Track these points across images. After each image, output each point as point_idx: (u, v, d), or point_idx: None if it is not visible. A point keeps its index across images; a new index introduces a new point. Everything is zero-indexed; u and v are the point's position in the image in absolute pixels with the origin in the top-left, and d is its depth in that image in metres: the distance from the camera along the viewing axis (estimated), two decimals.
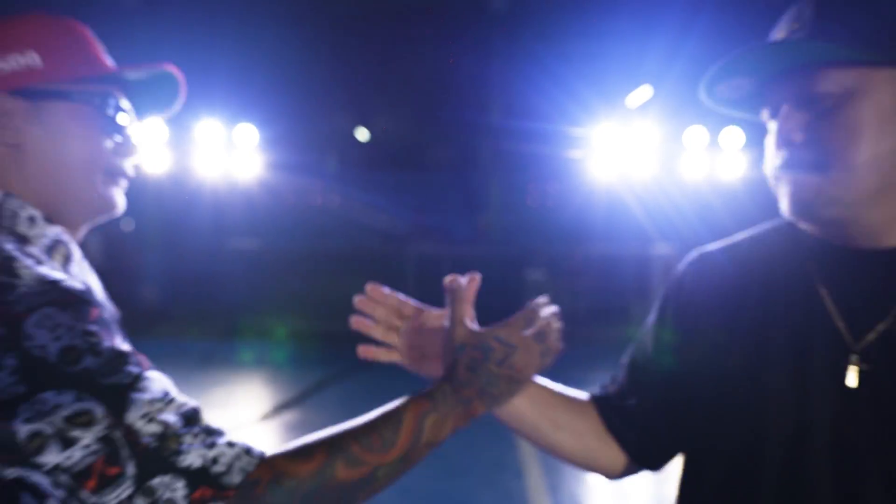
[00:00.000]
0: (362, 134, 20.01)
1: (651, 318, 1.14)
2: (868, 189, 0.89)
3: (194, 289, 12.39)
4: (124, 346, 0.83)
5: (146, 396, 0.80)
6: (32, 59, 0.95)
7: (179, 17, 13.04)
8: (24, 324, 0.78)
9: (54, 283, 0.82)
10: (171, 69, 1.03)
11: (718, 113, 1.04)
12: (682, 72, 13.40)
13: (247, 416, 6.01)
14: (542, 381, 1.13)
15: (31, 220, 0.93)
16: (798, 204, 0.93)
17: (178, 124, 11.91)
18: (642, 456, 1.15)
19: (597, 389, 1.19)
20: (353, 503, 0.86)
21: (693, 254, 1.11)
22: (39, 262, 0.86)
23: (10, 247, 0.85)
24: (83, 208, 1.00)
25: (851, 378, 0.90)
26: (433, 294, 1.19)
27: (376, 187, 15.91)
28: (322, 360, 8.47)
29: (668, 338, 1.10)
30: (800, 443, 0.92)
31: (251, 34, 13.96)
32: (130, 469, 0.77)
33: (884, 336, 0.90)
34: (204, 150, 12.12)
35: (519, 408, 1.08)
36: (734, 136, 11.77)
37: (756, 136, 12.18)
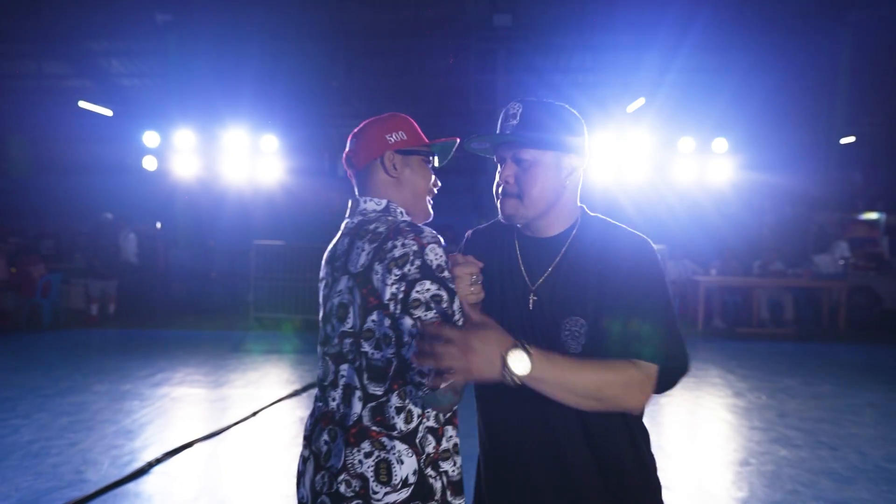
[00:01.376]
0: None
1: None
2: (539, 209, 1.66)
3: (220, 284, 13.15)
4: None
5: (458, 299, 1.56)
6: (402, 135, 1.76)
7: (209, 38, 13.75)
8: (425, 248, 1.55)
9: (435, 233, 1.61)
10: (456, 139, 1.83)
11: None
12: (674, 84, 14.11)
13: (280, 392, 6.72)
14: None
15: (401, 213, 1.72)
16: (506, 215, 1.70)
17: (208, 133, 12.75)
18: None
19: None
20: None
21: (470, 230, 1.91)
22: None
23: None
24: (419, 213, 1.79)
25: (530, 305, 1.66)
26: None
27: None
28: None
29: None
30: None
31: (274, 55, 14.63)
32: None
33: (543, 284, 1.66)
34: (230, 156, 12.85)
35: None
36: (722, 143, 12.39)
37: (742, 144, 12.83)
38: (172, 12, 13.39)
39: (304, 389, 6.89)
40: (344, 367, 1.64)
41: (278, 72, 15.27)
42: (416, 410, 1.60)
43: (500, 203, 1.71)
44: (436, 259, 1.56)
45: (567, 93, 14.70)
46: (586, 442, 1.62)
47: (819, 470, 4.74)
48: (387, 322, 1.55)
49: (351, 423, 1.59)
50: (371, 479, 1.56)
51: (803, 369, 8.31)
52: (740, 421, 6.07)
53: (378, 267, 1.56)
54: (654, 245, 1.66)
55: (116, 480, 4.39)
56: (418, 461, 1.58)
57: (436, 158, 1.83)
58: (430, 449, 1.60)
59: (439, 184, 1.83)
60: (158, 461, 4.77)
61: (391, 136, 1.75)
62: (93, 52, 16.22)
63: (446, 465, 1.63)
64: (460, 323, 1.52)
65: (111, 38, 15.02)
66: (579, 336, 1.59)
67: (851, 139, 15.15)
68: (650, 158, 12.37)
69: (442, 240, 1.62)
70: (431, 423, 1.62)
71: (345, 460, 1.58)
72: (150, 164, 13.05)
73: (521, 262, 1.72)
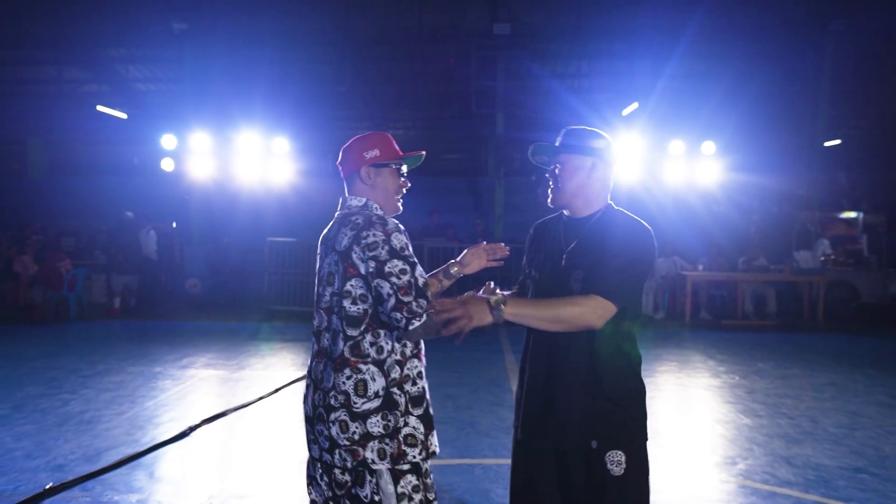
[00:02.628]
0: None
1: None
2: (568, 195, 2.34)
3: (234, 280, 13.79)
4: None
5: (419, 268, 2.09)
6: (376, 152, 2.25)
7: (224, 46, 14.37)
8: (390, 236, 2.07)
9: (397, 223, 2.12)
10: (422, 153, 2.35)
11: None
12: (665, 89, 14.76)
13: (296, 374, 7.31)
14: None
15: (376, 208, 2.24)
16: (550, 200, 2.39)
17: (222, 136, 13.42)
18: None
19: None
20: None
21: (536, 222, 2.54)
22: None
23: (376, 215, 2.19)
24: (390, 209, 2.29)
25: (563, 262, 2.30)
26: None
27: None
28: None
29: (527, 251, 2.54)
30: (551, 285, 2.32)
31: (285, 61, 15.25)
32: (413, 293, 2.04)
33: (571, 251, 2.30)
34: (244, 158, 13.47)
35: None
36: (711, 146, 13.03)
37: (730, 146, 13.41)
38: (188, 21, 14.03)
39: None
40: (334, 317, 2.18)
41: (289, 77, 15.93)
42: (387, 346, 2.14)
43: (550, 194, 2.41)
44: (398, 243, 2.10)
45: (564, 98, 15.33)
46: (588, 357, 2.26)
47: (774, 434, 5.41)
48: (364, 287, 2.12)
49: (337, 355, 2.14)
50: (352, 394, 2.11)
51: (777, 355, 8.97)
52: (713, 397, 6.74)
53: (356, 248, 2.11)
54: (651, 232, 2.27)
55: (162, 441, 5.07)
56: (385, 381, 2.13)
57: (404, 167, 2.35)
58: (395, 374, 2.15)
59: (408, 184, 2.35)
60: (198, 426, 5.45)
61: (367, 153, 2.27)
62: (111, 58, 16.89)
63: (407, 386, 2.17)
64: (420, 281, 2.09)
65: (129, 45, 15.67)
66: (578, 281, 2.26)
67: (837, 142, 15.79)
68: (642, 160, 12.94)
69: (402, 228, 2.16)
70: (398, 356, 2.16)
71: (333, 381, 2.13)
72: (167, 165, 13.73)
73: (562, 234, 2.38)
